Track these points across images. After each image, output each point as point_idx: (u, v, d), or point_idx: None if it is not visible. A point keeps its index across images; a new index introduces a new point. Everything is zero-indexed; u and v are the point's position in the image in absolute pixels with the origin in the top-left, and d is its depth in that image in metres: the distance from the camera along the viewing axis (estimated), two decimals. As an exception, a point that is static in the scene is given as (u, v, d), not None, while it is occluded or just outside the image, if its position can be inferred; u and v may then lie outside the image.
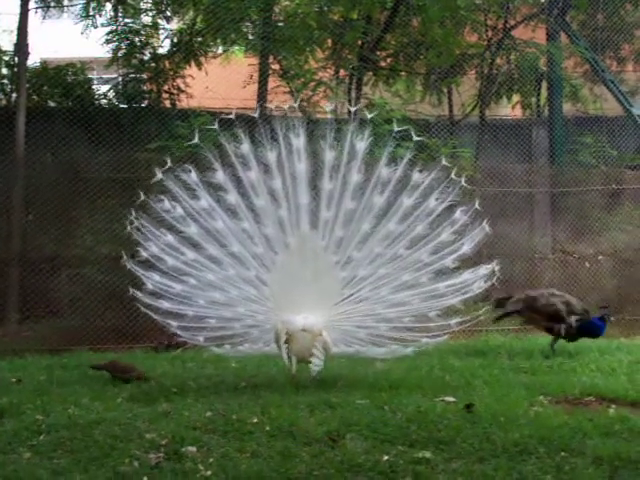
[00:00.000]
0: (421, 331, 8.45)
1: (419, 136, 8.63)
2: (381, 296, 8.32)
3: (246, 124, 8.34)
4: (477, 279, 8.40)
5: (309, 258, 8.18)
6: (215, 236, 8.30)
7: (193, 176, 8.28)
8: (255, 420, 6.73)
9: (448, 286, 8.36)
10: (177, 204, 8.30)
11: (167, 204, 8.31)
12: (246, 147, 8.21)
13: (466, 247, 8.39)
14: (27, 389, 8.27)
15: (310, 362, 8.10)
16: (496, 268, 8.48)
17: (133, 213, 8.39)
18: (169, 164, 8.34)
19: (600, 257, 14.32)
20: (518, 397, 7.72)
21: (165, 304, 8.36)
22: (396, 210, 8.23)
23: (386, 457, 5.90)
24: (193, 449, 6.02)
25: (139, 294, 8.37)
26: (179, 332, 8.49)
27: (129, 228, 8.42)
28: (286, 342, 8.09)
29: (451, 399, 7.62)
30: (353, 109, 8.59)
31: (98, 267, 12.32)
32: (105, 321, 12.07)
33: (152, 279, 8.38)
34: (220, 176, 8.25)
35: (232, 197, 8.25)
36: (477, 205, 8.43)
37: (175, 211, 8.31)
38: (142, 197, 8.42)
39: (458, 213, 8.41)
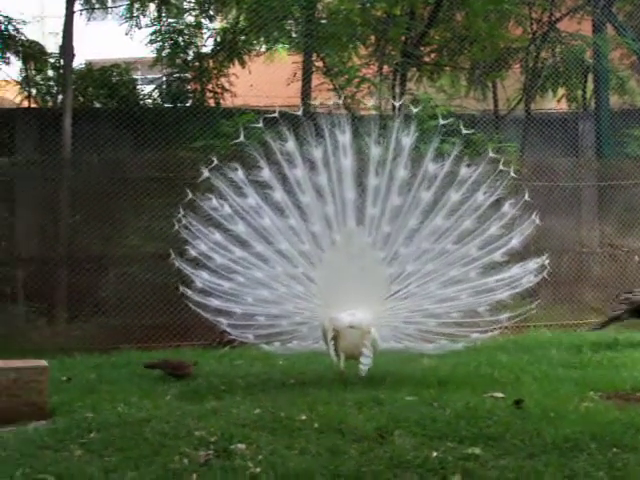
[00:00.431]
0: (470, 326, 8.40)
1: (465, 131, 8.59)
2: (429, 292, 8.27)
3: (290, 122, 8.35)
4: (526, 273, 8.33)
5: (355, 254, 8.16)
6: (262, 234, 8.33)
7: (240, 174, 8.32)
8: (303, 417, 6.70)
9: (497, 280, 8.30)
10: (225, 202, 8.34)
11: (215, 202, 8.35)
12: (291, 144, 8.22)
13: (515, 241, 8.32)
14: (77, 388, 8.34)
15: (358, 359, 8.07)
16: (546, 262, 8.40)
17: (181, 211, 8.44)
18: (215, 162, 8.37)
19: (649, 251, 14.17)
20: (568, 393, 7.65)
21: (214, 302, 8.40)
22: (443, 205, 8.19)
23: (435, 453, 5.84)
24: (242, 446, 6.00)
25: (189, 292, 8.41)
26: (229, 330, 8.53)
27: (177, 226, 8.46)
28: (334, 339, 8.07)
29: (500, 395, 7.55)
30: (398, 104, 8.56)
31: (144, 266, 12.42)
32: (152, 319, 12.15)
33: (201, 277, 8.42)
34: (266, 174, 8.28)
35: (278, 194, 8.27)
36: (527, 197, 8.35)
37: (223, 209, 8.35)
38: (189, 195, 8.47)
39: (507, 206, 8.39)
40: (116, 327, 12.28)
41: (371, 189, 8.14)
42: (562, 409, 6.94)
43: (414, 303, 8.31)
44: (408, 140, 8.15)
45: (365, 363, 8.02)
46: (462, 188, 8.23)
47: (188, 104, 15.18)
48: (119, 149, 13.40)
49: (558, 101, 17.47)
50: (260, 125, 8.44)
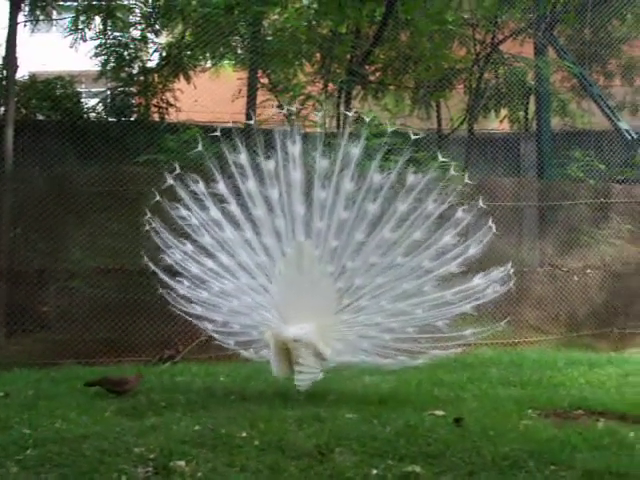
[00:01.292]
0: (430, 342, 8.23)
1: (406, 149, 8.52)
2: (381, 306, 8.15)
3: (240, 135, 8.38)
4: (490, 283, 8.12)
5: (305, 268, 8.15)
6: (224, 246, 8.38)
7: (201, 186, 8.37)
8: (244, 434, 6.68)
9: (455, 293, 8.09)
10: (191, 213, 8.41)
11: (183, 212, 8.43)
12: (244, 157, 8.25)
13: (472, 250, 8.13)
14: (15, 403, 8.20)
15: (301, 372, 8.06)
16: (511, 271, 8.24)
17: (148, 214, 8.55)
18: (177, 171, 8.46)
19: (588, 270, 14.37)
20: (507, 411, 7.70)
21: (198, 309, 8.52)
22: (390, 217, 8.06)
23: (375, 471, 5.87)
24: (182, 463, 5.96)
25: (170, 298, 8.56)
26: (214, 335, 8.60)
27: (149, 231, 8.56)
28: (278, 351, 8.05)
29: (440, 413, 7.58)
30: (351, 113, 8.55)
31: (87, 280, 12.30)
32: (93, 334, 12.04)
33: (183, 284, 8.51)
34: (222, 187, 8.34)
35: (234, 208, 8.33)
36: (481, 203, 8.15)
37: (191, 220, 8.42)
38: (156, 199, 8.53)
39: (460, 213, 8.18)
40: (56, 342, 12.14)
41: (317, 202, 8.12)
42: (501, 427, 7.00)
43: (366, 317, 8.20)
44: (356, 151, 8.06)
45: (301, 376, 8.01)
46: (409, 198, 8.06)
47: (132, 118, 15.10)
48: (62, 162, 13.27)
49: (501, 122, 17.69)
50: (218, 134, 8.43)
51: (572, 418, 7.77)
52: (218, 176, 8.33)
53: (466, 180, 8.34)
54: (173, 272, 8.57)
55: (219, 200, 8.38)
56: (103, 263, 11.08)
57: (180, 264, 8.52)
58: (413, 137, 8.38)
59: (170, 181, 8.43)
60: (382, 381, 9.20)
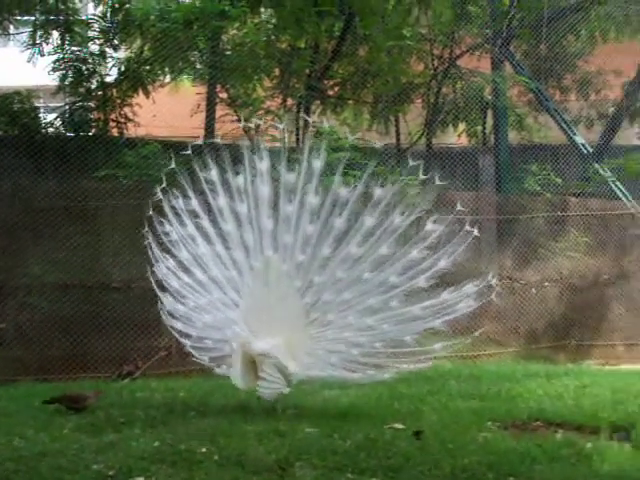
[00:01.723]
0: (399, 356, 8.20)
1: (366, 163, 8.48)
2: (348, 320, 8.12)
3: (203, 151, 8.40)
4: (462, 298, 8.05)
5: (272, 282, 8.14)
6: (198, 262, 8.41)
7: (180, 202, 8.43)
8: (204, 449, 6.66)
9: (424, 308, 8.01)
10: (172, 228, 8.47)
11: (167, 227, 8.49)
12: (214, 173, 8.31)
13: (443, 262, 8.02)
14: (-29, 421, 8.14)
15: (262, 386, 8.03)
16: (493, 282, 8.25)
17: (145, 229, 8.62)
18: (164, 185, 8.51)
19: (546, 283, 14.50)
20: (466, 423, 7.73)
21: (178, 324, 8.51)
22: (356, 232, 8.00)
23: (335, 485, 5.90)
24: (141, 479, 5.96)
25: (162, 313, 8.57)
26: (191, 351, 8.54)
27: (146, 242, 8.60)
28: (243, 364, 8.02)
29: (400, 426, 7.59)
30: (311, 119, 8.58)
31: (45, 296, 12.21)
32: (52, 350, 11.95)
33: (167, 300, 8.52)
34: (195, 204, 8.40)
35: (205, 223, 8.38)
36: (459, 206, 8.04)
37: (171, 236, 8.49)
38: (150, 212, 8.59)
39: (429, 225, 8.05)
40: (14, 358, 12.04)
41: (284, 217, 8.13)
42: (461, 440, 7.04)
43: (334, 332, 8.18)
44: (319, 163, 8.05)
45: (263, 386, 7.97)
46: (376, 212, 7.99)
47: (91, 133, 15.02)
48: (20, 177, 13.18)
49: (459, 136, 17.81)
50: (189, 153, 8.47)
51: (531, 430, 7.83)
52: (190, 192, 8.38)
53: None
54: (162, 287, 8.58)
55: (194, 215, 8.42)
56: (62, 278, 11.01)
57: (164, 278, 8.53)
58: (378, 147, 8.44)
59: (160, 195, 8.50)
60: (342, 395, 9.19)
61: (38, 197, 12.65)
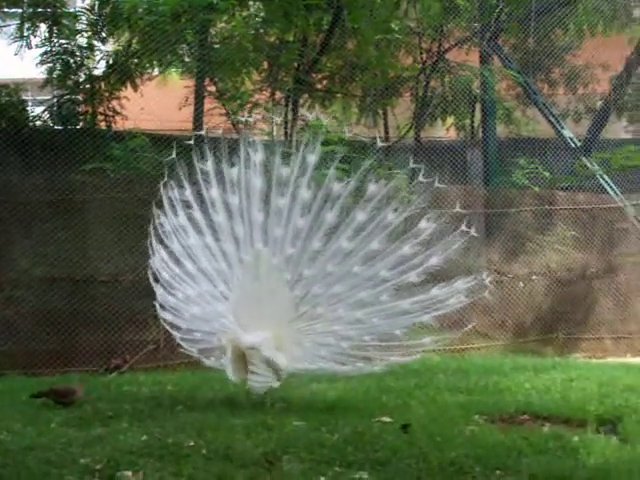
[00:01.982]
0: (389, 349, 8.25)
1: (354, 157, 8.49)
2: (338, 314, 8.14)
3: (200, 143, 8.42)
4: (453, 294, 8.09)
5: (262, 275, 8.15)
6: (188, 253, 8.41)
7: (176, 192, 8.43)
8: (191, 443, 6.65)
9: (413, 303, 8.06)
10: (166, 219, 8.47)
11: (163, 219, 8.49)
12: (210, 164, 8.32)
13: (435, 259, 8.07)
14: (-42, 415, 8.12)
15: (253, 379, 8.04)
16: (487, 279, 8.32)
17: (154, 220, 8.56)
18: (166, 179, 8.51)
19: (534, 277, 14.53)
20: (454, 417, 7.75)
21: (167, 315, 8.50)
22: (347, 226, 8.03)
23: (323, 478, 5.89)
24: (128, 473, 5.92)
25: (156, 305, 8.53)
26: (181, 342, 8.53)
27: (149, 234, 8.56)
28: (234, 358, 8.01)
29: (388, 419, 7.61)
30: (304, 114, 8.59)
31: (32, 290, 12.18)
32: (39, 345, 11.92)
33: (157, 291, 8.51)
34: (189, 194, 8.41)
35: (197, 214, 8.39)
36: (458, 208, 8.25)
37: (164, 227, 8.48)
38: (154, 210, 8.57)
39: (423, 223, 8.11)
40: (1, 352, 12.00)
41: (275, 210, 8.14)
42: (448, 433, 7.05)
43: (323, 325, 8.19)
44: (313, 157, 8.09)
45: (253, 379, 7.99)
46: (368, 207, 8.04)
47: (79, 126, 14.97)
48: (7, 171, 13.13)
49: (447, 130, 17.83)
50: (191, 143, 8.47)
51: (518, 423, 7.85)
52: (185, 183, 8.39)
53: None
54: (155, 279, 8.57)
55: (186, 206, 8.43)
56: (49, 272, 10.98)
57: (157, 269, 8.53)
58: (379, 144, 8.48)
59: (162, 189, 8.50)
60: (329, 388, 9.21)
61: (25, 190, 12.60)
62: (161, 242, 8.51)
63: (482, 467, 6.18)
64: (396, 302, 8.11)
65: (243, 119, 12.17)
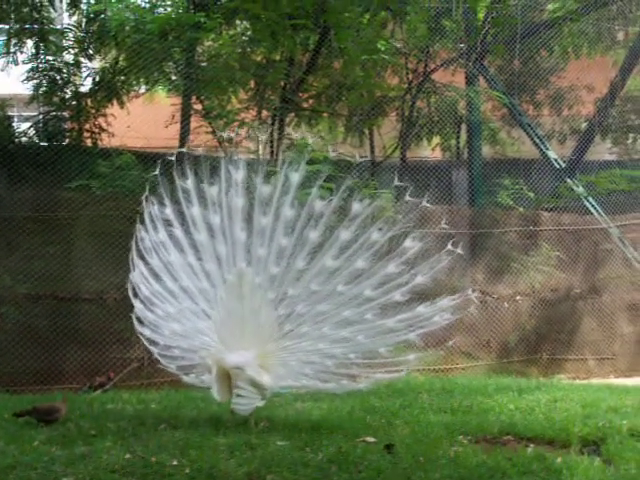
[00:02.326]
0: (373, 367, 8.23)
1: (341, 176, 8.47)
2: (322, 332, 8.11)
3: (181, 161, 8.42)
4: (438, 312, 8.07)
5: (246, 295, 8.12)
6: (169, 269, 8.40)
7: (156, 209, 8.43)
8: (175, 462, 6.65)
9: (399, 321, 8.05)
10: (146, 235, 8.46)
11: (143, 233, 8.48)
12: (190, 182, 8.32)
13: (421, 278, 8.07)
14: (-60, 434, 8.06)
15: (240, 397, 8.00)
16: (473, 296, 8.38)
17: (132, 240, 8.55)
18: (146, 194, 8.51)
19: (518, 297, 14.57)
20: (438, 437, 7.75)
21: (146, 331, 8.46)
22: (332, 245, 8.03)
23: (306, 498, 5.90)
24: (111, 492, 5.93)
25: (133, 319, 8.50)
26: (159, 358, 8.50)
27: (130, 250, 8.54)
28: (219, 377, 7.98)
29: (372, 440, 7.60)
30: (290, 132, 8.60)
31: (16, 306, 12.12)
32: (22, 362, 11.86)
33: (136, 306, 8.49)
34: (169, 212, 8.42)
35: (178, 232, 8.38)
36: (444, 224, 8.32)
37: (144, 242, 8.45)
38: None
39: (409, 242, 8.12)
40: (-17, 370, 11.95)
41: (258, 229, 8.13)
42: (432, 453, 7.06)
43: (308, 343, 8.17)
44: (296, 176, 8.08)
45: (237, 402, 7.94)
46: (353, 226, 8.04)
47: (65, 143, 14.96)
48: (-8, 186, 13.12)
49: (432, 150, 17.90)
50: (172, 159, 8.48)
51: (502, 444, 7.84)
52: (167, 200, 8.39)
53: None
54: (134, 293, 8.55)
55: (167, 223, 8.43)
56: (33, 289, 10.95)
57: (136, 284, 8.51)
58: (357, 161, 8.47)
59: (144, 204, 8.51)
60: (314, 408, 9.20)
61: (10, 206, 12.57)
62: (141, 257, 8.49)
63: (466, 488, 6.19)
64: (381, 320, 8.10)
65: (227, 135, 12.15)
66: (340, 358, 8.21)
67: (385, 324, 8.10)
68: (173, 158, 8.46)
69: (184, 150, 8.52)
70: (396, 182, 8.28)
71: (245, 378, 7.92)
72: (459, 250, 8.25)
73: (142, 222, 8.51)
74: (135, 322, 8.52)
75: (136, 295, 8.52)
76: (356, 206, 8.10)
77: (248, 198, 8.21)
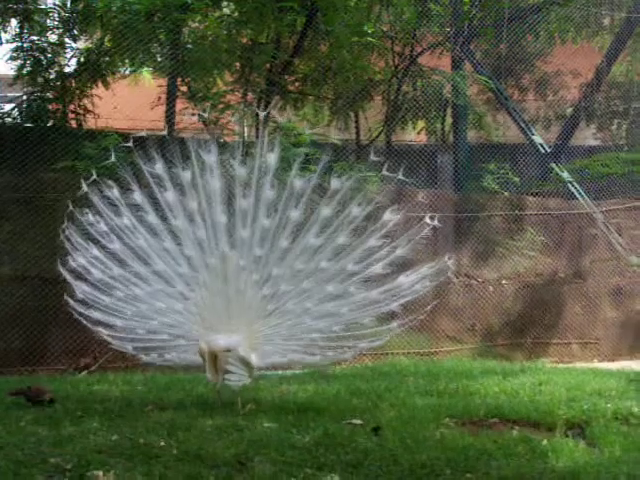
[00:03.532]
0: (358, 338, 8.31)
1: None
2: (307, 308, 8.20)
3: (158, 144, 8.36)
4: (418, 280, 8.25)
5: (230, 278, 8.13)
6: (138, 253, 8.33)
7: (115, 192, 8.33)
8: (162, 443, 6.65)
9: (382, 292, 8.20)
10: (101, 219, 8.35)
11: (91, 218, 8.36)
12: (160, 167, 8.26)
13: (400, 251, 8.25)
14: None
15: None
16: (449, 262, 8.47)
17: (65, 222, 8.42)
18: (94, 177, 8.38)
19: (503, 281, 14.61)
20: (424, 419, 7.78)
21: (95, 314, 8.37)
22: (313, 223, 8.13)
23: (294, 480, 5.91)
24: (99, 473, 5.88)
25: (71, 302, 8.37)
26: (109, 340, 8.45)
27: (61, 236, 8.42)
28: (211, 361, 7.99)
29: (358, 422, 7.64)
30: (271, 114, 8.57)
31: (1, 288, 12.07)
32: (6, 343, 11.82)
33: (81, 289, 8.38)
34: (138, 197, 8.33)
35: (151, 217, 8.31)
36: (421, 198, 8.38)
37: (99, 226, 8.36)
38: (70, 207, 8.46)
39: (387, 214, 8.27)
40: (-32, 351, 11.91)
41: (239, 211, 8.14)
42: (419, 436, 7.10)
43: (293, 320, 8.24)
44: (273, 156, 8.14)
45: (230, 379, 7.96)
46: (333, 202, 8.14)
47: (49, 124, 14.86)
48: (-24, 168, 13.03)
49: (418, 133, 17.89)
50: (130, 145, 8.46)
51: (487, 426, 7.89)
52: (134, 185, 8.32)
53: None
54: (77, 275, 8.45)
55: (136, 209, 8.35)
56: (18, 270, 10.91)
57: (84, 267, 8.41)
58: (337, 143, 8.53)
59: (85, 188, 8.39)
60: (299, 390, 9.23)
61: (-6, 188, 12.50)
62: (94, 241, 8.39)
63: (452, 470, 6.22)
64: (364, 293, 8.24)
65: (211, 118, 12.12)
66: (325, 332, 8.29)
67: (368, 296, 8.24)
68: (130, 144, 8.45)
69: (143, 134, 8.45)
70: (373, 159, 8.36)
71: (236, 358, 7.94)
72: (435, 222, 8.36)
73: (90, 206, 8.39)
74: (74, 305, 8.41)
75: (80, 278, 8.43)
76: (335, 182, 8.19)
77: (226, 181, 8.21)
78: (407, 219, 8.38)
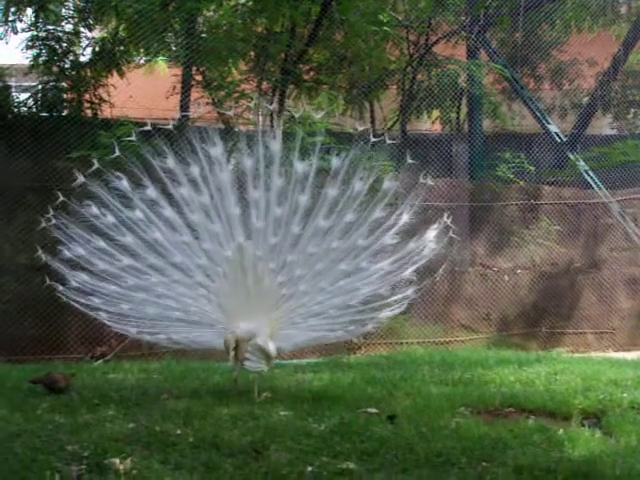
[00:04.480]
0: (377, 309, 8.45)
1: (341, 149, 8.55)
2: (322, 288, 8.31)
3: (167, 136, 8.35)
4: (426, 243, 8.44)
5: (248, 268, 8.17)
6: (154, 246, 8.36)
7: (124, 184, 8.32)
8: (178, 431, 6.68)
9: (393, 262, 8.37)
10: (108, 212, 8.33)
11: (95, 210, 8.36)
12: (171, 162, 8.27)
13: (406, 216, 8.40)
14: (-57, 401, 8.08)
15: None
16: (448, 220, 8.59)
17: (51, 211, 8.49)
18: (96, 166, 8.44)
19: (518, 271, 14.58)
20: (440, 408, 7.79)
21: (96, 300, 8.41)
22: (322, 204, 8.21)
23: (310, 468, 5.89)
24: (116, 461, 5.90)
25: (64, 290, 8.41)
26: (109, 323, 8.51)
27: (46, 225, 8.52)
28: (235, 349, 8.03)
29: (374, 410, 7.65)
30: (288, 107, 8.59)
31: (16, 277, 12.12)
32: (23, 331, 11.88)
33: (80, 278, 8.41)
34: (152, 192, 8.34)
35: (167, 212, 8.33)
36: (409, 159, 8.44)
37: (105, 218, 8.35)
38: (61, 198, 8.52)
39: (386, 183, 8.43)
40: (-16, 339, 11.96)
41: (252, 202, 8.19)
42: (434, 424, 7.10)
43: (310, 301, 8.35)
44: (276, 144, 8.17)
45: (250, 365, 8.04)
46: (336, 181, 8.22)
47: (64, 113, 14.87)
48: (-8, 157, 13.05)
49: (433, 123, 17.85)
50: (133, 138, 8.45)
51: (503, 415, 7.90)
52: (147, 181, 8.32)
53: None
54: (72, 265, 8.46)
55: (151, 202, 8.35)
56: (34, 259, 10.88)
57: (84, 258, 8.41)
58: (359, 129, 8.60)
59: (81, 179, 8.45)
60: (314, 379, 9.27)
61: (10, 177, 12.52)
62: (99, 233, 8.38)
63: (468, 458, 6.22)
64: (377, 265, 8.38)
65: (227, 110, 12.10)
66: (343, 307, 8.42)
67: (381, 268, 8.39)
68: (133, 137, 8.44)
69: (148, 127, 8.44)
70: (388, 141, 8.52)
71: (256, 346, 8.00)
72: (429, 181, 8.59)
73: (93, 198, 8.38)
74: (71, 294, 8.43)
75: (80, 268, 8.43)
76: (335, 161, 8.27)
77: (236, 172, 8.23)
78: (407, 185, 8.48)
